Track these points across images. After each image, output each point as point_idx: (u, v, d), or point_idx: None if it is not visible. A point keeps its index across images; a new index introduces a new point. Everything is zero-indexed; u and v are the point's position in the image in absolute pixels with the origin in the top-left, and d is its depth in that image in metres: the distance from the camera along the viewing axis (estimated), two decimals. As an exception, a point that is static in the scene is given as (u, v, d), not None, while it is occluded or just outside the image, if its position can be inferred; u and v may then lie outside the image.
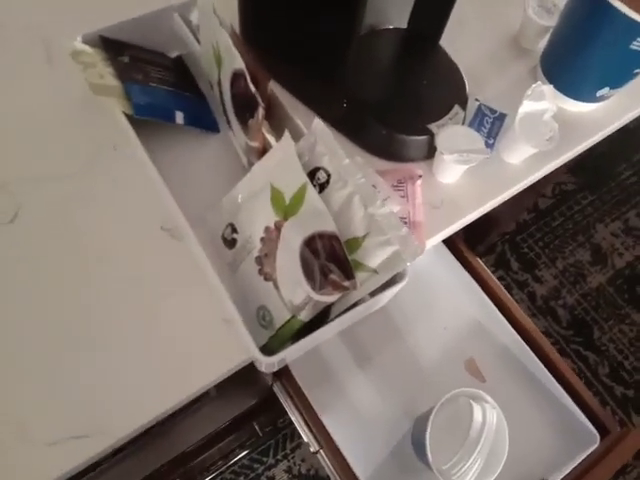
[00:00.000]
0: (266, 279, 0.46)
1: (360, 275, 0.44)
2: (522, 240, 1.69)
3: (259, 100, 0.44)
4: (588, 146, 0.62)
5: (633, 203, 1.75)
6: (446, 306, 0.97)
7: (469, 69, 0.63)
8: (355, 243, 0.45)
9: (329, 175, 0.46)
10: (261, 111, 0.45)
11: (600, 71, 0.56)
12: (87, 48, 0.52)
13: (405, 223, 0.56)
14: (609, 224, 1.72)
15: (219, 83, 0.50)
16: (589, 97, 0.60)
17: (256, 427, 1.16)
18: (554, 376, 0.91)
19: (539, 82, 0.54)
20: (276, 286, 0.45)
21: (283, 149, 0.46)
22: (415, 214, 0.56)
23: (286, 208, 0.45)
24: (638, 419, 1.45)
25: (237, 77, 0.46)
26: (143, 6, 0.56)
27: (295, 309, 0.43)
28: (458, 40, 0.63)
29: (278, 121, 0.53)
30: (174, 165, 0.54)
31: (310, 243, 0.43)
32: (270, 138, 0.48)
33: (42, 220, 0.51)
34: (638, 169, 1.79)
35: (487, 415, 0.78)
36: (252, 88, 0.45)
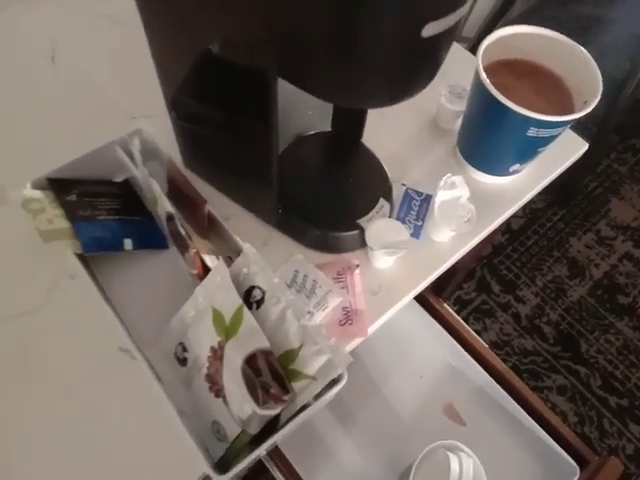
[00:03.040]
0: (217, 395, 0.50)
1: (301, 383, 0.49)
2: (500, 262, 1.73)
3: (188, 242, 0.49)
4: (511, 214, 0.67)
5: (602, 213, 1.80)
6: (420, 355, 1.01)
7: (394, 155, 0.68)
8: (293, 354, 0.49)
9: (264, 292, 0.51)
10: (192, 250, 0.50)
11: (506, 153, 0.62)
12: (36, 193, 0.57)
13: (348, 312, 0.60)
14: (582, 237, 1.77)
15: (158, 216, 0.56)
16: (503, 172, 0.65)
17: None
18: (528, 412, 0.95)
19: (449, 174, 0.59)
20: (225, 402, 0.49)
21: (219, 274, 0.50)
22: (356, 303, 0.60)
23: (227, 329, 0.49)
24: (635, 427, 1.47)
25: (170, 218, 0.51)
26: (85, 143, 0.61)
27: (244, 423, 0.47)
28: (381, 129, 0.68)
29: (219, 237, 0.58)
30: (128, 286, 0.59)
31: (251, 360, 0.48)
32: (209, 260, 0.53)
33: (5, 357, 0.56)
34: (602, 180, 1.85)
35: (464, 465, 0.81)
36: (182, 231, 0.50)
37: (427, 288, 1.06)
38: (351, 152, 0.65)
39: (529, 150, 0.61)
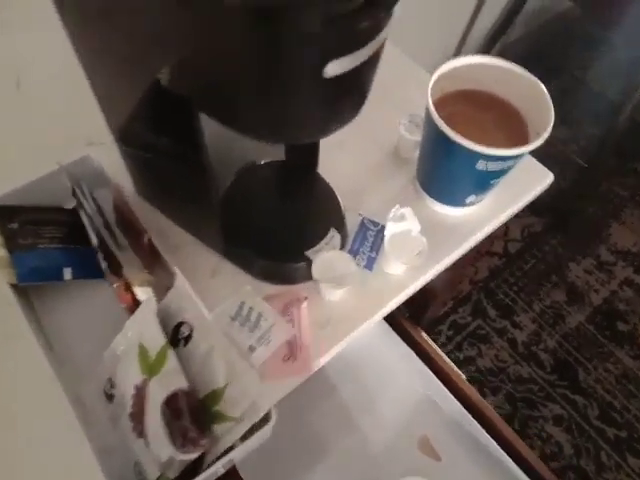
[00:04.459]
0: (139, 436, 0.48)
1: (224, 425, 0.47)
2: (496, 286, 1.69)
3: (108, 275, 0.48)
4: (469, 246, 0.65)
5: (603, 237, 1.75)
6: (396, 386, 0.98)
7: (353, 184, 0.67)
8: (217, 395, 0.47)
9: (192, 329, 0.49)
10: (115, 284, 0.48)
11: (459, 184, 0.60)
12: (-22, 222, 0.57)
13: (292, 348, 0.58)
14: (581, 261, 1.72)
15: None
16: (459, 203, 0.63)
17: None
18: (503, 447, 0.91)
19: (397, 205, 0.58)
20: (147, 443, 0.47)
21: (147, 310, 0.49)
22: (302, 337, 0.58)
23: (150, 367, 0.48)
24: (634, 461, 1.41)
25: (97, 250, 0.50)
26: (38, 169, 0.61)
27: (162, 467, 0.46)
28: (341, 159, 0.67)
29: (162, 267, 0.57)
30: (68, 317, 0.58)
31: (172, 401, 0.46)
32: (142, 292, 0.52)
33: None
34: (603, 203, 1.80)
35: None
36: (103, 265, 0.49)
37: (402, 315, 1.03)
38: (303, 181, 0.64)
39: (482, 182, 0.58)
